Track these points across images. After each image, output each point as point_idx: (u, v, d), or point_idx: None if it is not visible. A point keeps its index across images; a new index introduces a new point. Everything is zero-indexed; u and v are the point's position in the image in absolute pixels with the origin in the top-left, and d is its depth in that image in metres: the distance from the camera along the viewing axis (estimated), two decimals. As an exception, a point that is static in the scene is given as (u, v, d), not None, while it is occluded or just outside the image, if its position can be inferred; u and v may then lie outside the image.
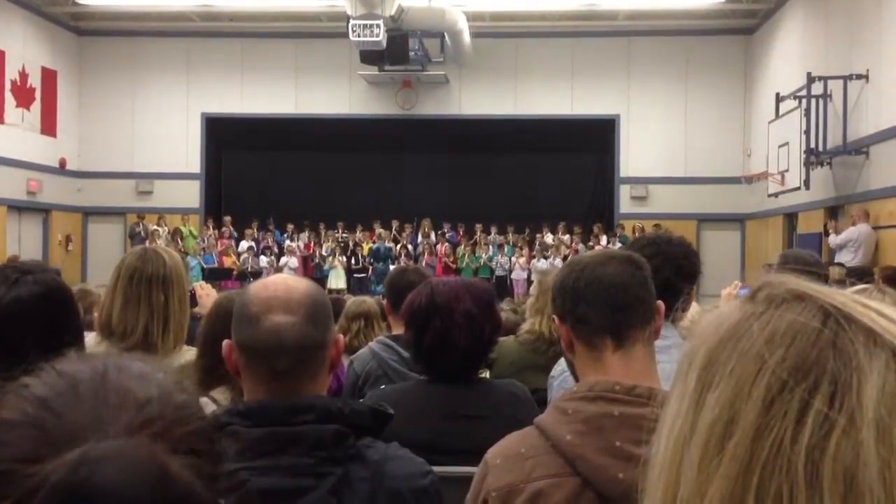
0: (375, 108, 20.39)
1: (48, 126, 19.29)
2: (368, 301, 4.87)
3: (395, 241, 19.69)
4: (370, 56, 17.74)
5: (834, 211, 14.20)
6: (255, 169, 21.09)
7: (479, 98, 20.11)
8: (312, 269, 18.96)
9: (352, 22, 15.74)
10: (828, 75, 13.60)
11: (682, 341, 2.40)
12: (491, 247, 19.41)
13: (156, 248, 3.03)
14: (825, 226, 13.88)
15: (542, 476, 1.62)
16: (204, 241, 19.15)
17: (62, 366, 0.77)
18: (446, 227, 19.98)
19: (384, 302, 3.94)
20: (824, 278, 4.31)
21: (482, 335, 2.49)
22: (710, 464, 0.65)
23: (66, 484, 0.65)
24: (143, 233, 18.69)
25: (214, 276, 17.43)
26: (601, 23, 19.53)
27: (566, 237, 19.32)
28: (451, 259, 19.22)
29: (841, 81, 13.26)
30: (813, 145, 13.53)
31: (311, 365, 1.67)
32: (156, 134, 20.33)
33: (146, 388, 0.76)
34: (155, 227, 19.02)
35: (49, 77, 19.31)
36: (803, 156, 13.59)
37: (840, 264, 11.07)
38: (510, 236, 19.82)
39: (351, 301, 4.95)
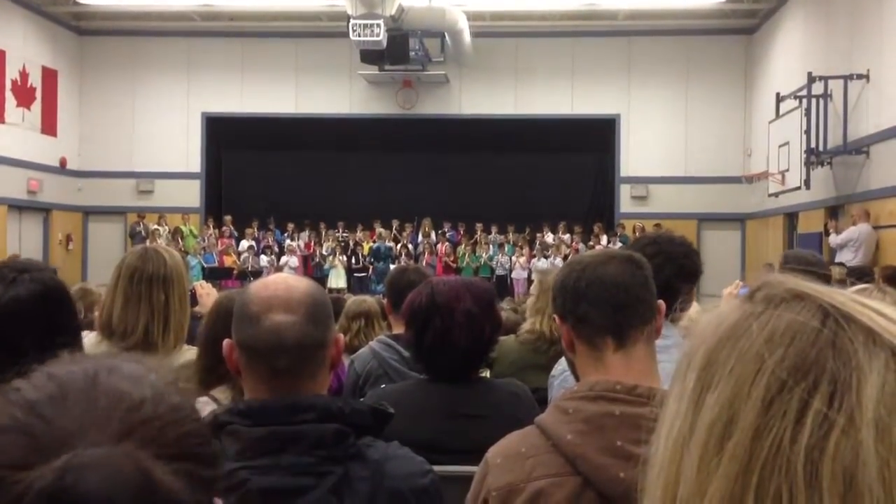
0: (376, 107, 20.39)
1: (49, 125, 19.30)
2: (369, 300, 4.86)
3: (396, 241, 19.69)
4: (370, 56, 17.75)
5: (834, 210, 14.20)
6: (256, 168, 21.07)
7: (479, 98, 20.10)
8: (313, 269, 18.96)
9: (352, 21, 15.74)
10: (828, 75, 13.59)
11: (682, 341, 2.40)
12: (491, 246, 19.41)
13: (156, 247, 3.03)
14: (825, 225, 13.88)
15: (543, 475, 1.62)
16: (204, 241, 19.15)
17: (53, 368, 0.77)
18: (447, 227, 19.98)
19: (384, 301, 3.94)
20: (827, 278, 4.31)
21: (482, 334, 2.49)
22: (709, 463, 0.65)
23: (51, 491, 0.66)
24: (143, 232, 18.69)
25: (215, 275, 17.44)
26: (601, 22, 19.52)
27: (566, 237, 19.32)
28: (452, 258, 19.22)
29: (841, 81, 13.26)
30: (813, 145, 13.53)
31: (312, 364, 1.68)
32: (156, 133, 20.33)
33: (139, 389, 0.76)
34: (155, 226, 19.02)
35: (50, 76, 19.32)
36: (804, 155, 13.59)
37: (840, 264, 11.07)
38: (510, 236, 19.82)
39: (351, 300, 4.94)
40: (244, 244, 19.49)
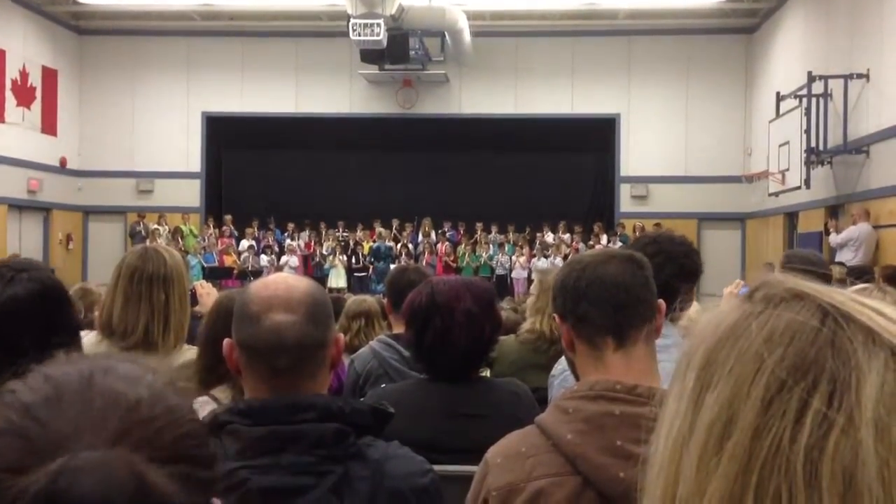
0: (376, 107, 20.39)
1: (49, 125, 19.30)
2: (369, 300, 4.86)
3: (396, 240, 19.70)
4: (370, 55, 17.75)
5: (834, 210, 14.20)
6: (256, 168, 21.07)
7: (479, 97, 20.10)
8: (313, 268, 18.97)
9: (352, 21, 15.74)
10: (828, 74, 13.59)
11: (682, 340, 2.40)
12: (491, 246, 19.41)
13: (156, 247, 3.03)
14: (826, 225, 13.89)
15: (543, 475, 1.62)
16: (204, 240, 19.15)
17: (49, 369, 0.77)
18: (447, 226, 19.98)
19: (385, 301, 3.94)
20: (827, 278, 4.31)
21: (482, 334, 2.49)
22: (708, 463, 0.65)
23: (45, 495, 0.66)
24: (143, 232, 18.68)
25: (215, 274, 17.44)
26: (601, 22, 19.52)
27: (567, 236, 19.32)
28: (452, 258, 19.22)
29: (841, 80, 13.26)
30: (813, 144, 13.53)
31: (312, 364, 1.68)
32: (156, 133, 20.34)
33: (135, 390, 0.75)
34: (155, 225, 19.02)
35: (49, 76, 19.32)
36: (804, 155, 13.59)
37: (840, 263, 11.08)
38: (511, 235, 19.82)
39: (351, 300, 4.94)
40: (244, 244, 19.49)
